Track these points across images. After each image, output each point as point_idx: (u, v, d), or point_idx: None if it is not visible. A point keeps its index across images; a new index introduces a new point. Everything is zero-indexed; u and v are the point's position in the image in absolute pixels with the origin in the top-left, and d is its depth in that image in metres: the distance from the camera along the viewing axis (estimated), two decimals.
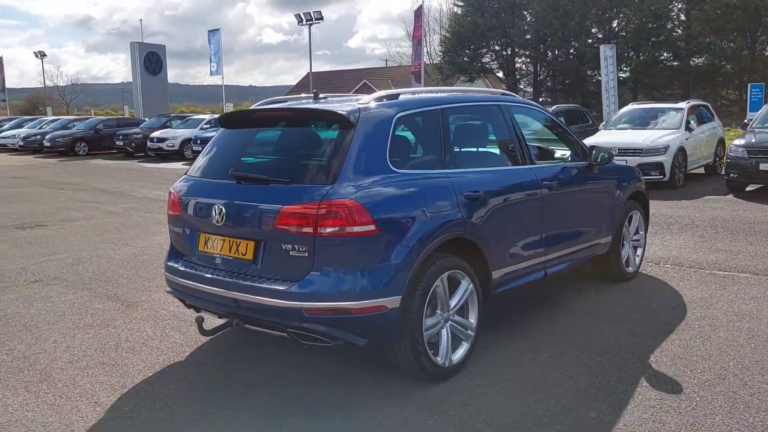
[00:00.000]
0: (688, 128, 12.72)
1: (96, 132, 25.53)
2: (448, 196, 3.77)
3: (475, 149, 4.51)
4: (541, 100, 37.20)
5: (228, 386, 3.72)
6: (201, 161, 4.11)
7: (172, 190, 4.06)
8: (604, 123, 16.10)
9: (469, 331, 3.97)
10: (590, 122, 17.48)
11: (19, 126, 31.53)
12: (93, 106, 68.52)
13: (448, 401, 3.54)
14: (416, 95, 4.15)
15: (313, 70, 38.95)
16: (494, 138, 4.69)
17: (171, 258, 4.04)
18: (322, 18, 29.26)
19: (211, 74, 29.10)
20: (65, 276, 6.35)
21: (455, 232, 3.78)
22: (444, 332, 3.80)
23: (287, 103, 4.29)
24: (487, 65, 41.65)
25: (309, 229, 3.30)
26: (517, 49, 40.10)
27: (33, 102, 63.79)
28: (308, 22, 30.56)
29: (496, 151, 4.64)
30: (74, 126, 26.76)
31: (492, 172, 4.26)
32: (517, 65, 41.51)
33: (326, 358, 4.11)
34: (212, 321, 4.08)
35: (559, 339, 4.43)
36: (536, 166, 4.65)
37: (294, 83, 66.36)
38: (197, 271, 3.77)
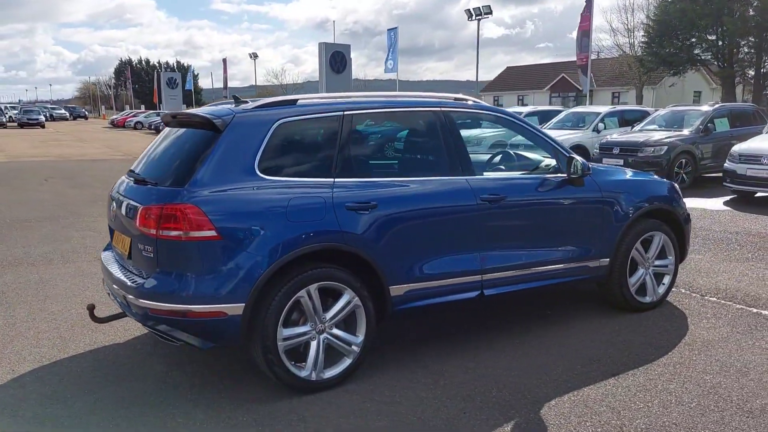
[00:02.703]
0: None
1: None
2: (322, 205, 3.66)
3: (384, 158, 4.26)
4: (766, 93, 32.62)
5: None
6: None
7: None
8: None
9: (353, 347, 3.83)
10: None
11: None
12: None
13: (288, 413, 3.48)
14: (316, 100, 4.05)
15: (514, 65, 38.19)
16: (416, 147, 4.39)
17: (105, 248, 4.44)
18: (491, 12, 28.68)
19: (385, 71, 30.13)
20: None
21: (327, 243, 3.67)
22: (314, 344, 3.72)
23: (193, 109, 4.45)
24: (698, 56, 37.44)
25: (153, 231, 3.45)
26: (736, 39, 35.43)
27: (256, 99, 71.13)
28: (477, 17, 30.13)
29: (415, 160, 4.35)
30: None
31: (398, 182, 4.00)
32: (740, 56, 36.66)
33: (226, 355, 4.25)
34: (108, 309, 4.39)
35: (482, 369, 4.06)
36: (475, 177, 4.27)
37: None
38: (107, 262, 4.11)
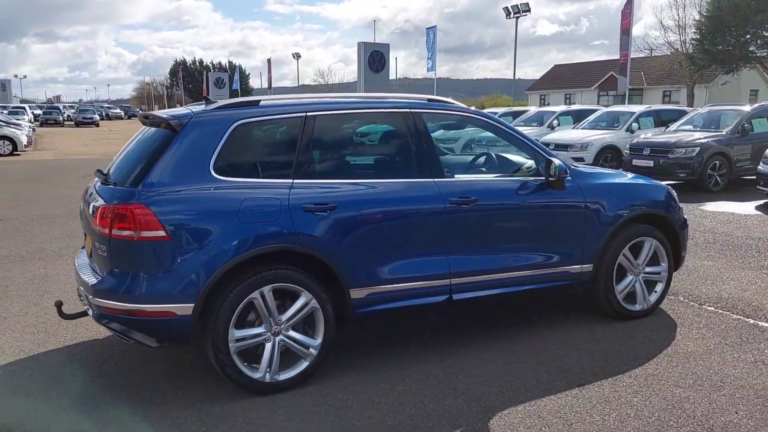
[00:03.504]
0: None
1: None
2: (277, 206, 3.66)
3: (348, 160, 4.21)
4: None
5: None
6: None
7: None
8: None
9: (310, 350, 3.82)
10: None
11: None
12: None
13: (237, 415, 3.49)
14: (280, 101, 4.04)
15: (561, 63, 37.41)
16: (382, 148, 4.33)
17: (82, 247, 4.53)
18: (529, 10, 28.15)
19: (427, 71, 30.00)
20: None
21: (281, 244, 3.66)
22: (269, 346, 3.72)
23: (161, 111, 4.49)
24: (753, 53, 35.92)
25: (107, 230, 3.51)
26: None
27: None
28: (515, 15, 29.63)
29: (381, 162, 4.29)
30: None
31: (361, 184, 3.95)
32: None
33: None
34: (75, 306, 4.49)
35: (444, 376, 3.99)
36: (444, 180, 4.19)
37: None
38: (78, 262, 4.18)
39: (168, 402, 3.65)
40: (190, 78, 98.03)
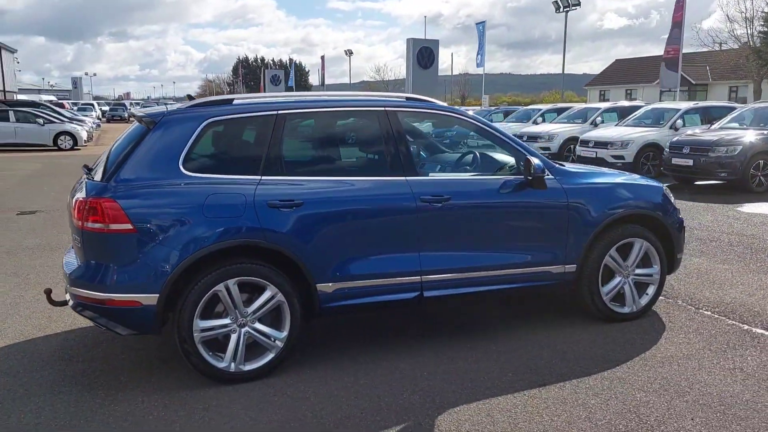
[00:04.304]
0: None
1: None
2: (242, 202, 3.78)
3: (318, 158, 4.27)
4: None
5: None
6: None
7: None
8: None
9: (276, 342, 3.93)
10: None
11: None
12: None
13: (197, 401, 3.63)
14: (253, 100, 4.15)
15: (621, 58, 36.37)
16: (354, 147, 4.38)
17: None
18: (579, 4, 27.41)
19: (476, 66, 29.70)
20: None
21: (245, 239, 3.78)
22: (234, 337, 3.85)
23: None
24: None
25: (80, 223, 3.72)
26: None
27: None
28: (565, 9, 28.91)
29: (352, 160, 4.33)
30: None
31: (329, 182, 4.03)
32: None
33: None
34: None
35: (410, 371, 4.04)
36: (417, 178, 4.22)
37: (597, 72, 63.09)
38: (66, 254, 4.42)
39: (140, 387, 3.83)
40: (251, 75, 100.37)
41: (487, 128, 4.63)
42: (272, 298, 3.89)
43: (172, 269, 3.65)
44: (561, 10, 29.94)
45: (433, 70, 33.83)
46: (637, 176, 5.32)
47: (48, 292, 4.33)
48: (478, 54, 29.47)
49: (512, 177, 4.52)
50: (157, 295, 3.64)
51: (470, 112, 5.03)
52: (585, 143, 15.10)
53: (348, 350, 4.36)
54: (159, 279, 3.64)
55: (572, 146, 16.26)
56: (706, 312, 5.06)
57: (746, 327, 4.71)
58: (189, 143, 3.83)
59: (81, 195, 3.81)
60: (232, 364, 3.84)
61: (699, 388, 3.72)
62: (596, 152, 14.55)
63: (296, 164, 4.12)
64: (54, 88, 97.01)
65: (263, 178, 3.90)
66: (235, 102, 4.07)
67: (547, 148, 16.95)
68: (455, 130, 6.19)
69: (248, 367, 3.89)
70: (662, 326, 4.76)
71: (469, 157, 5.01)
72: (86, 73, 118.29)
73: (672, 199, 5.06)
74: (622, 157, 14.07)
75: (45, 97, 50.84)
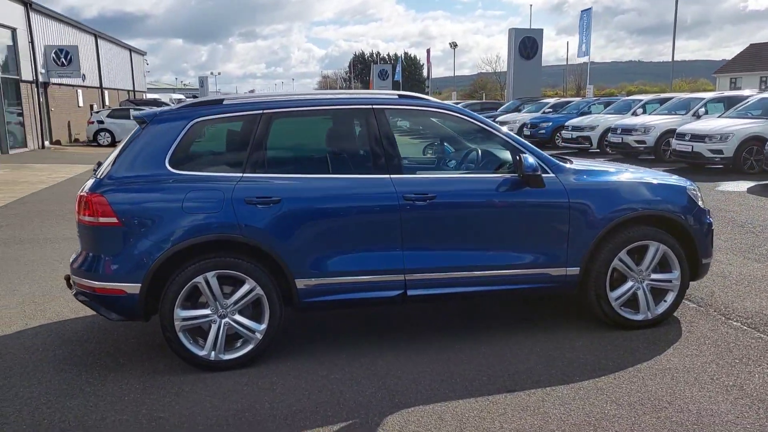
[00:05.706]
0: None
1: None
2: (219, 198, 3.94)
3: (302, 156, 4.32)
4: None
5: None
6: None
7: None
8: None
9: (256, 334, 4.07)
10: None
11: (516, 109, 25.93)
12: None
13: (172, 386, 3.84)
14: (241, 101, 4.28)
15: (759, 42, 33.53)
16: (338, 145, 4.38)
17: None
18: None
19: (578, 56, 28.38)
20: None
21: (221, 234, 3.94)
22: (214, 327, 4.03)
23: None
24: None
25: (77, 216, 4.05)
26: None
27: (475, 87, 72.66)
28: None
29: (335, 158, 4.34)
30: None
31: (310, 179, 4.09)
32: None
33: None
34: None
35: (384, 370, 4.04)
36: (402, 176, 4.19)
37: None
38: None
39: (132, 370, 4.11)
40: (367, 70, 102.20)
41: (482, 125, 4.50)
42: (251, 291, 4.03)
43: (151, 261, 3.88)
44: None
45: (536, 60, 33.17)
46: (664, 174, 4.95)
47: (68, 278, 4.73)
48: (582, 43, 28.24)
49: (508, 175, 4.37)
50: (140, 284, 3.89)
51: (469, 110, 4.90)
52: (681, 136, 14.09)
53: (335, 345, 4.42)
54: (141, 269, 3.89)
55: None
56: (735, 323, 4.64)
57: None
58: (176, 142, 4.04)
59: (81, 191, 4.14)
60: (212, 353, 4.03)
61: (679, 404, 3.44)
62: (692, 146, 13.54)
63: (279, 162, 4.23)
64: (186, 87, 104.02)
65: (244, 175, 4.04)
66: (224, 102, 4.24)
67: (643, 142, 16.16)
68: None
69: (227, 356, 4.05)
70: (677, 336, 4.43)
71: (471, 155, 4.89)
72: (211, 73, 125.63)
73: (698, 200, 4.67)
74: (720, 152, 13.03)
75: (175, 96, 54.62)
